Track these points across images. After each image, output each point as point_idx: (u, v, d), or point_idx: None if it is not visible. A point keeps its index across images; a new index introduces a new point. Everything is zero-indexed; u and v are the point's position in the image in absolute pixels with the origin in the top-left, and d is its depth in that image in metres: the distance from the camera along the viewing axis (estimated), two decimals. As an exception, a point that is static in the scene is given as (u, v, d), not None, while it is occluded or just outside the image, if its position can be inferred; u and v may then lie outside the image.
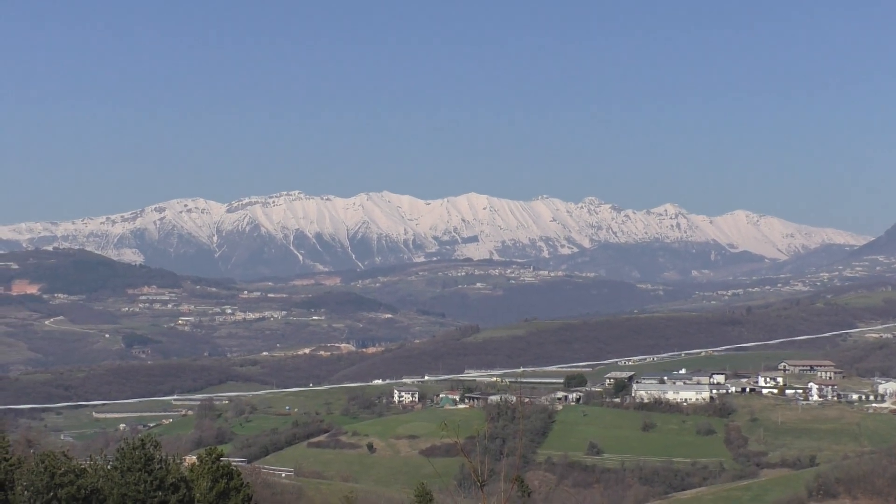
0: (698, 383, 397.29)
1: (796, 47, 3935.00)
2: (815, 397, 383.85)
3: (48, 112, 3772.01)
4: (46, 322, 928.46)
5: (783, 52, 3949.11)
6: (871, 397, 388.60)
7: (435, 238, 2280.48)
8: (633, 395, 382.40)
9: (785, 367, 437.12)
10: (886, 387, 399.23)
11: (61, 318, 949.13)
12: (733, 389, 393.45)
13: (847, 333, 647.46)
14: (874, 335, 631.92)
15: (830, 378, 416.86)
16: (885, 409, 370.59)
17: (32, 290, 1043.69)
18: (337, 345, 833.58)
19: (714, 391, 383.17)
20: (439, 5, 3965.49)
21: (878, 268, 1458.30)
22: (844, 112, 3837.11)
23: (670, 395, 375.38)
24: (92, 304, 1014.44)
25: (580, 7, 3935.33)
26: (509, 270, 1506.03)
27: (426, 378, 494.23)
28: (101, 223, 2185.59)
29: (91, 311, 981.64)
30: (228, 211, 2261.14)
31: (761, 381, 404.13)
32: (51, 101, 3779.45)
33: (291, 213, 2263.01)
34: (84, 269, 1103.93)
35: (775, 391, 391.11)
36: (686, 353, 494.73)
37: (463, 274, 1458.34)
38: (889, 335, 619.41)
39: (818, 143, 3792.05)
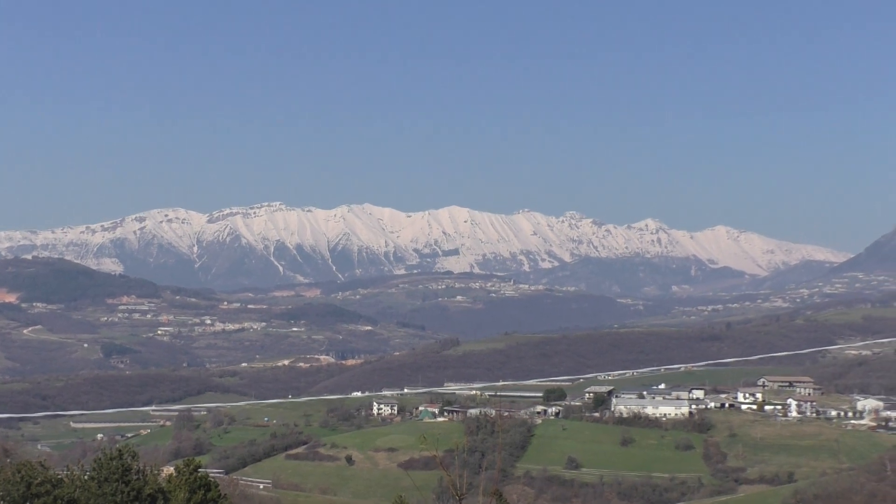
0: (677, 398, 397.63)
1: (777, 64, 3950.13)
2: (794, 413, 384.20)
3: (28, 120, 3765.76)
4: (24, 331, 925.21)
5: (764, 69, 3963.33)
6: (850, 414, 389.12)
7: (416, 250, 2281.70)
8: (612, 409, 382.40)
9: (764, 382, 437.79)
10: (865, 403, 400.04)
11: (39, 327, 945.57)
12: (712, 405, 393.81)
13: (826, 350, 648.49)
14: (853, 352, 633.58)
15: (809, 394, 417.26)
16: (864, 425, 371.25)
17: (11, 298, 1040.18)
18: (316, 356, 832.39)
19: (693, 406, 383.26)
20: (423, 19, 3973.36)
21: (857, 284, 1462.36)
22: (825, 129, 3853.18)
23: (649, 410, 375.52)
24: (70, 313, 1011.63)
25: (563, 23, 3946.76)
26: (490, 284, 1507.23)
27: (405, 391, 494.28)
28: (80, 232, 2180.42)
29: (70, 321, 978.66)
30: (209, 221, 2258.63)
31: (740, 397, 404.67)
32: (32, 110, 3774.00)
33: (272, 224, 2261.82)
34: (63, 279, 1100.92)
35: (754, 407, 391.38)
36: (665, 369, 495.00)
37: (443, 287, 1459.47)
38: (868, 352, 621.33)
39: (799, 159, 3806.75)
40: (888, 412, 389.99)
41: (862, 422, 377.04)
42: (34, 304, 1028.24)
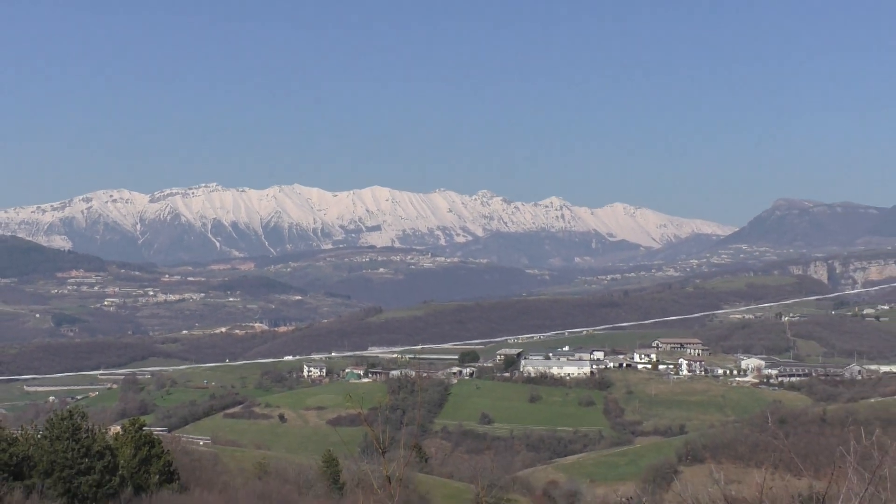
0: (580, 359, 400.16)
1: (663, 51, 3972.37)
2: (685, 372, 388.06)
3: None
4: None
5: (651, 56, 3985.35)
6: (735, 372, 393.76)
7: (341, 227, 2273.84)
8: (521, 370, 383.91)
9: (658, 344, 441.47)
10: (748, 362, 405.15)
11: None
12: (611, 365, 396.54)
13: (713, 314, 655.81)
14: (737, 316, 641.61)
15: (698, 355, 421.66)
16: (747, 382, 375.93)
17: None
18: (251, 324, 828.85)
19: (594, 367, 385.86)
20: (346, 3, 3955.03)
21: (741, 255, 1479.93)
22: (711, 111, 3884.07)
23: (555, 370, 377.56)
24: (23, 286, 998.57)
25: (468, 3, 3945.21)
26: (409, 257, 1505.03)
27: (333, 354, 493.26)
28: (31, 212, 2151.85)
29: (22, 293, 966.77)
30: (151, 201, 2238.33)
31: (637, 358, 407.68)
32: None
33: (209, 203, 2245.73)
34: (16, 254, 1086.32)
35: (649, 366, 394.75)
36: (569, 332, 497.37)
37: (367, 260, 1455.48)
38: (751, 316, 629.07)
39: (688, 140, 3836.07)
40: (769, 370, 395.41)
41: (745, 379, 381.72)
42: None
